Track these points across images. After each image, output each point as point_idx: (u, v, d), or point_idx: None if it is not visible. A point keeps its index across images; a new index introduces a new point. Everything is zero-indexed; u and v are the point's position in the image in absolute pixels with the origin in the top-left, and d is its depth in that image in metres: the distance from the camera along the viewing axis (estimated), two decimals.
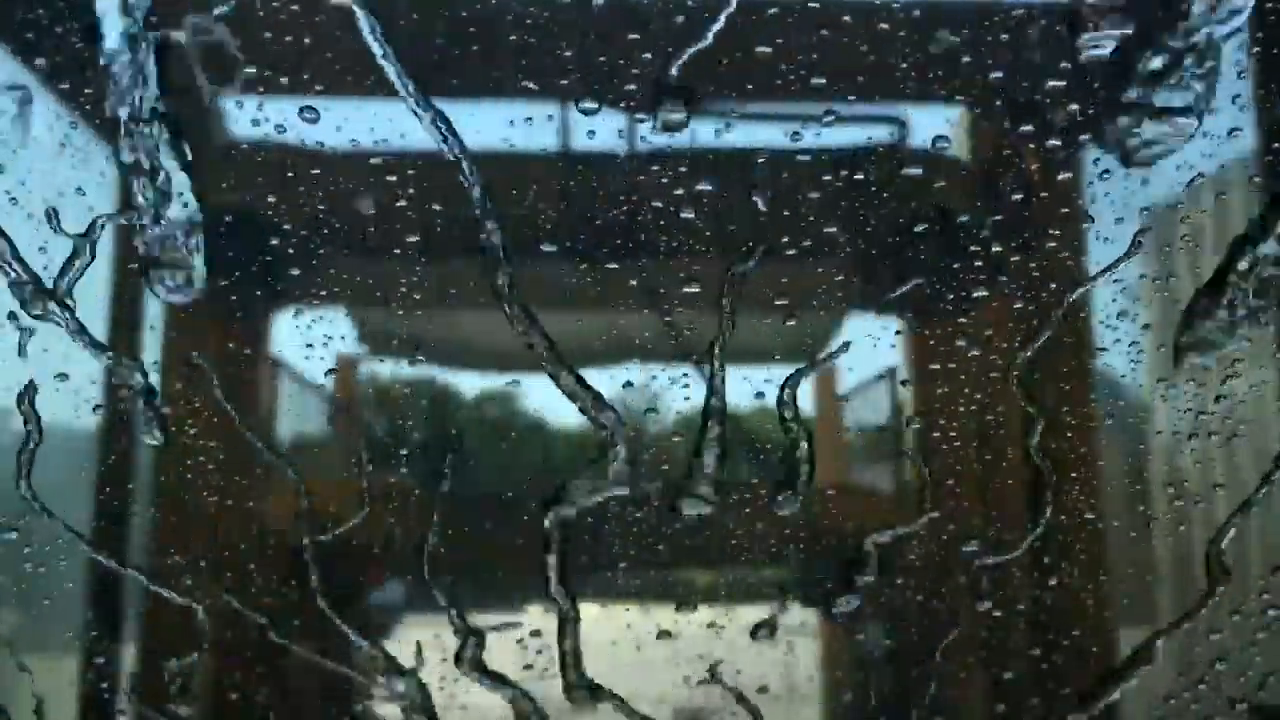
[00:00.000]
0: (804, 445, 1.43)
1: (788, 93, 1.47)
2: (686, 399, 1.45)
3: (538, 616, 1.49)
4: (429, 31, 1.46)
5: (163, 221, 1.31)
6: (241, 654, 1.51)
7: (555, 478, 1.44)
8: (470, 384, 1.64)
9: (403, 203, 1.51)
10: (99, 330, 1.39)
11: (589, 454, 1.41)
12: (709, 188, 1.46)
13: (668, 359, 1.47)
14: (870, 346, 1.57)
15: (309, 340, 1.49)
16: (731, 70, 1.43)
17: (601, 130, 1.45)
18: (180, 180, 1.31)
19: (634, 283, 1.51)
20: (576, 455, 1.49)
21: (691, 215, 1.47)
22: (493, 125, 1.43)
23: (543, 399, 1.47)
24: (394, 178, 1.51)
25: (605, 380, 1.44)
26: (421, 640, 1.49)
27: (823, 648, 1.64)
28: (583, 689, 1.36)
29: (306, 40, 1.41)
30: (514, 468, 1.66)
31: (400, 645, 1.49)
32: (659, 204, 1.47)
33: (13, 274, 1.27)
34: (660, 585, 1.57)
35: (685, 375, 1.46)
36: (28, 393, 1.31)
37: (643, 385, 1.49)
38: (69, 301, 1.30)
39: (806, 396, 1.51)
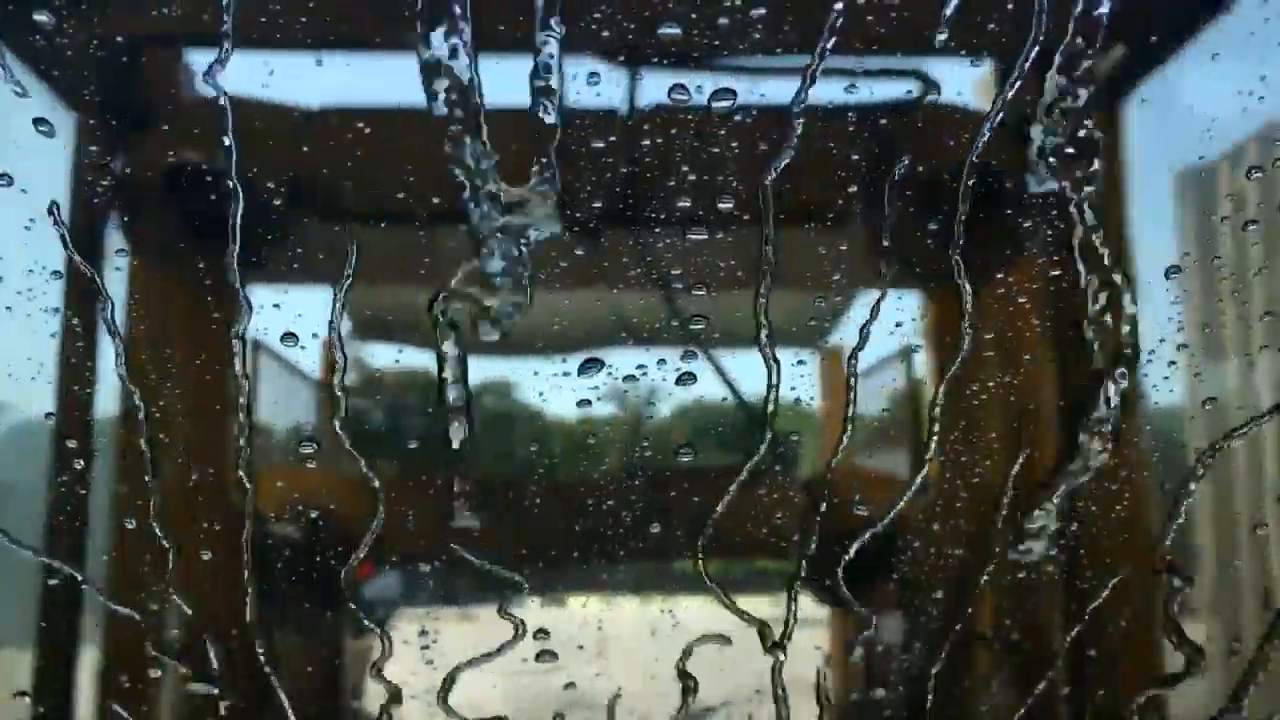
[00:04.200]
0: None
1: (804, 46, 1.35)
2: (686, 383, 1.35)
3: (535, 609, 1.42)
4: None
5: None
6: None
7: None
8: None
9: (390, 166, 1.40)
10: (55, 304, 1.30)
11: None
12: (717, 151, 1.34)
13: (669, 340, 1.37)
14: (890, 319, 1.46)
15: (289, 318, 1.39)
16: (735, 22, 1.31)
17: (600, 85, 1.34)
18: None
19: (632, 257, 1.41)
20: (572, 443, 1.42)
21: (698, 179, 1.35)
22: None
23: (542, 387, 1.39)
24: (382, 136, 1.41)
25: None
26: (414, 633, 1.43)
27: (833, 639, 1.58)
28: None
29: None
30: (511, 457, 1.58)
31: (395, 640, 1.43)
32: (662, 167, 1.36)
33: None
34: (664, 578, 1.50)
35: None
36: None
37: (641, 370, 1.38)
38: None
39: (815, 375, 1.42)
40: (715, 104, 1.23)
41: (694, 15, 1.23)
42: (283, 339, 1.31)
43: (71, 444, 1.40)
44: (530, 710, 1.41)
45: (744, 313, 1.30)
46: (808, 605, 1.51)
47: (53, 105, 1.33)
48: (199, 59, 1.41)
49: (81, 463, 1.42)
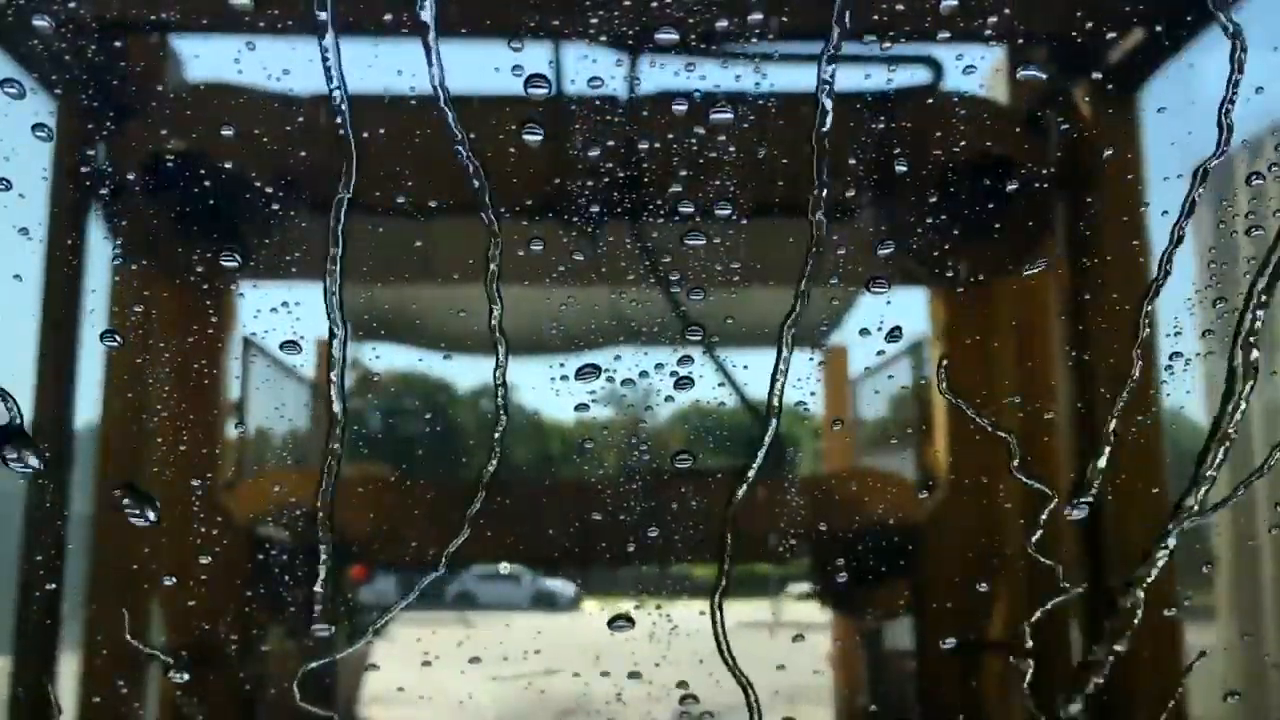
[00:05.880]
0: None
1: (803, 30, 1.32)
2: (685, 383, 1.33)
3: (532, 613, 1.42)
4: None
5: None
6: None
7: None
8: (463, 370, 1.53)
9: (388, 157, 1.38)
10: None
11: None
12: (720, 136, 1.31)
13: (669, 340, 1.34)
14: (894, 316, 1.44)
15: (282, 317, 1.37)
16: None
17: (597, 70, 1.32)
18: None
19: (628, 251, 1.38)
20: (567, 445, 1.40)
21: (701, 169, 1.32)
22: (473, 66, 1.29)
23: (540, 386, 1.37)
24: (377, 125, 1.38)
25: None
26: (409, 635, 1.43)
27: (832, 639, 1.57)
28: None
29: None
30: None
31: (389, 641, 1.43)
32: (662, 156, 1.33)
33: None
34: (665, 579, 1.49)
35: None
36: None
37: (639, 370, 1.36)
38: None
39: (816, 375, 1.40)
40: (714, 114, 1.21)
41: (692, 20, 1.20)
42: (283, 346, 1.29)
43: (56, 450, 1.39)
44: (529, 715, 1.40)
45: (739, 315, 1.28)
46: (813, 611, 1.50)
47: (50, 107, 1.32)
48: (190, 49, 1.40)
49: (65, 469, 1.41)
